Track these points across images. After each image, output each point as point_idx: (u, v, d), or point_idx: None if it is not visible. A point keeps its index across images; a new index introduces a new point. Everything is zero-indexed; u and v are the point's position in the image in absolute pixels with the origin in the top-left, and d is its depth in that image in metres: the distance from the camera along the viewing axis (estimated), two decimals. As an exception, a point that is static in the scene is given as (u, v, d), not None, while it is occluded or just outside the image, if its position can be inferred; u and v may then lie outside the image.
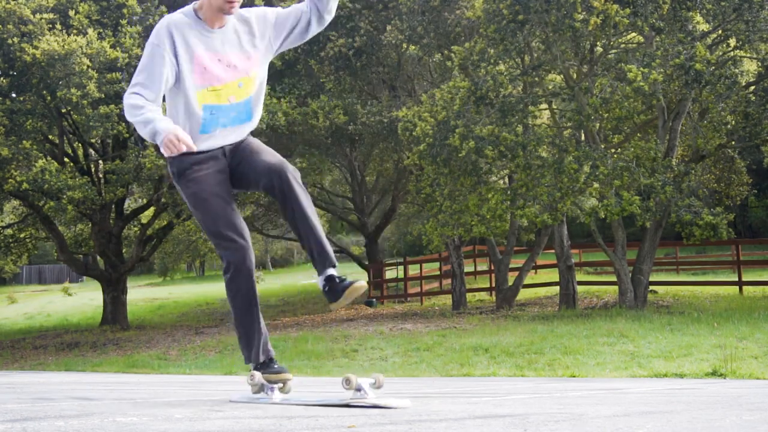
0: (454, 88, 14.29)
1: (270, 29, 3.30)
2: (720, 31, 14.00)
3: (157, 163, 15.11)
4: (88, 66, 14.75)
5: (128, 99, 3.14)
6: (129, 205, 22.27)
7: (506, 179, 17.80)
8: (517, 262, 18.82)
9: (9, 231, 21.50)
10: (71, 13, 15.84)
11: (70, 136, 18.33)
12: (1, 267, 23.30)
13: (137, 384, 6.09)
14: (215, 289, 27.86)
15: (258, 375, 3.27)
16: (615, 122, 15.01)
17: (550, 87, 15.50)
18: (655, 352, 8.81)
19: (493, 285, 18.20)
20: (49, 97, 15.30)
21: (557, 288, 16.00)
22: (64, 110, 16.33)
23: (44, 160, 15.51)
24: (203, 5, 3.17)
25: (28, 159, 15.70)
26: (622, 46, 15.10)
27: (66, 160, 17.72)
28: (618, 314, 12.49)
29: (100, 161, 18.93)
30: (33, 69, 14.93)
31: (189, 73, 3.15)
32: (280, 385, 3.28)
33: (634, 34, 14.67)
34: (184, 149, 3.00)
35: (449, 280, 18.93)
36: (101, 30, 15.96)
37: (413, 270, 23.90)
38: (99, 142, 18.75)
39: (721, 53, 14.21)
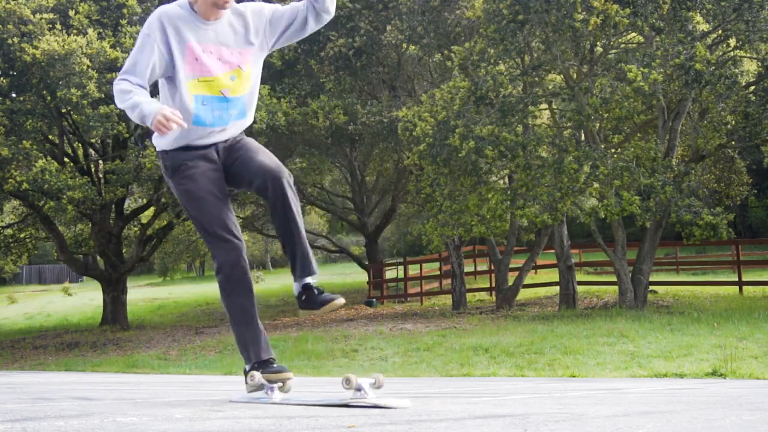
0: (454, 88, 14.29)
1: (265, 25, 3.29)
2: (720, 31, 14.00)
3: (158, 163, 15.11)
4: (88, 66, 14.75)
5: (117, 85, 3.17)
6: (129, 205, 22.27)
7: (506, 179, 17.80)
8: (517, 262, 18.82)
9: (9, 231, 21.50)
10: (71, 13, 15.85)
11: (70, 136, 18.33)
12: (1, 267, 23.31)
13: (137, 384, 6.09)
14: (215, 289, 27.72)
15: (258, 375, 3.25)
16: (615, 122, 15.01)
17: (550, 87, 15.50)
18: (655, 352, 8.81)
19: (493, 285, 18.20)
20: (49, 97, 15.30)
21: (557, 288, 16.00)
22: (64, 110, 16.33)
23: (44, 160, 15.51)
24: None
25: (28, 159, 15.70)
26: (622, 46, 15.10)
27: (66, 160, 17.72)
28: (618, 314, 12.49)
29: (100, 161, 18.93)
30: (33, 69, 14.93)
31: (181, 63, 3.15)
32: (280, 384, 3.26)
33: (634, 34, 14.67)
34: (175, 127, 3.00)
35: (449, 280, 18.94)
36: (101, 30, 15.96)
37: (413, 270, 23.90)
38: (99, 142, 18.75)
39: (721, 53, 14.21)
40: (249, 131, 16.13)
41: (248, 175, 3.28)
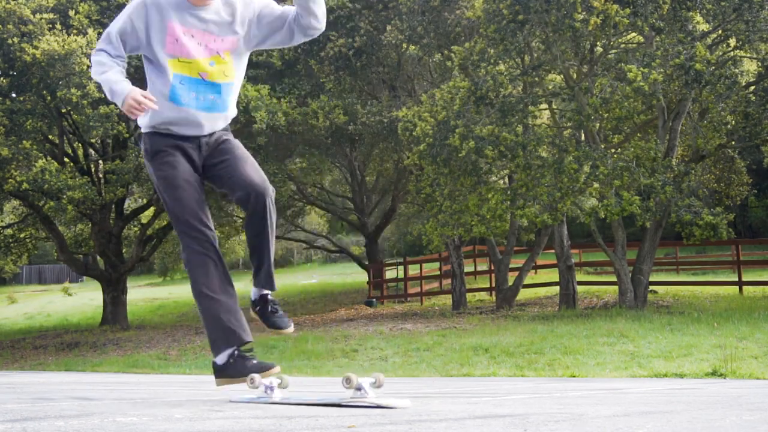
0: (454, 88, 14.29)
1: (252, 17, 3.29)
2: (720, 31, 14.00)
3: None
4: (88, 66, 14.76)
5: (94, 56, 3.20)
6: (129, 205, 22.28)
7: (506, 179, 17.80)
8: (517, 262, 18.82)
9: (9, 231, 21.50)
10: (71, 13, 15.86)
11: (70, 136, 18.33)
12: (1, 267, 23.30)
13: (137, 384, 6.09)
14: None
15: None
16: (615, 122, 15.01)
17: (550, 87, 15.50)
18: (655, 352, 8.81)
19: (493, 285, 18.20)
20: (49, 97, 15.31)
21: (557, 288, 16.00)
22: (64, 110, 16.34)
23: (44, 160, 15.51)
24: None
25: (28, 159, 15.71)
26: (622, 46, 15.10)
27: (66, 160, 17.73)
28: (618, 314, 12.49)
29: (100, 161, 18.94)
30: (33, 69, 14.94)
31: (159, 40, 3.16)
32: (273, 380, 3.23)
33: (634, 34, 14.67)
34: (147, 110, 3.05)
35: (449, 280, 18.94)
36: (101, 30, 15.96)
37: (413, 270, 23.90)
38: (99, 142, 18.76)
39: (721, 53, 14.21)
40: (249, 131, 16.07)
41: (231, 184, 3.29)
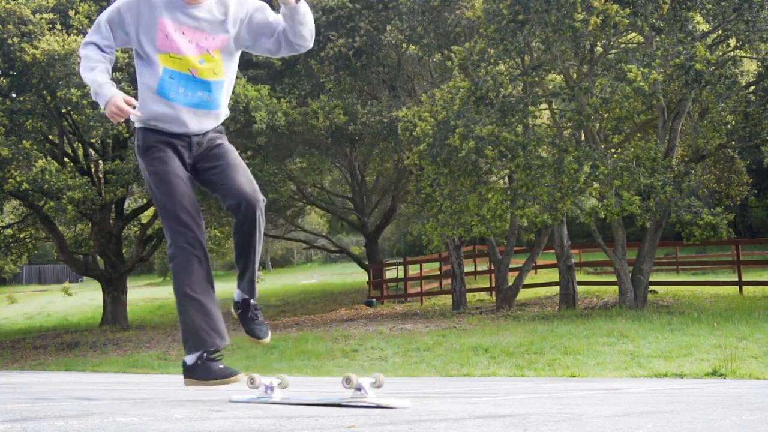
0: (454, 88, 14.29)
1: (245, 17, 3.29)
2: (720, 31, 14.00)
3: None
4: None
5: (82, 50, 3.22)
6: (129, 205, 22.27)
7: (506, 179, 17.80)
8: (517, 262, 18.82)
9: (9, 231, 21.51)
10: (71, 13, 15.85)
11: (70, 136, 18.33)
12: (1, 267, 23.31)
13: (137, 384, 6.09)
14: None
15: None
16: (615, 122, 15.01)
17: (550, 87, 15.50)
18: (655, 352, 8.81)
19: (493, 285, 18.20)
20: (49, 97, 15.31)
21: (557, 288, 16.00)
22: (64, 110, 16.34)
23: (44, 160, 15.52)
24: None
25: (28, 159, 15.71)
26: (622, 46, 15.09)
27: (66, 160, 17.72)
28: (618, 314, 12.49)
29: (100, 161, 18.94)
30: (33, 69, 14.94)
31: (151, 37, 3.18)
32: (223, 387, 3.23)
33: (634, 34, 14.67)
34: (128, 116, 3.08)
35: (449, 280, 18.93)
36: (101, 30, 15.96)
37: (413, 270, 23.90)
38: (99, 142, 18.75)
39: (721, 53, 14.21)
40: (249, 131, 16.07)
41: (223, 191, 3.30)
